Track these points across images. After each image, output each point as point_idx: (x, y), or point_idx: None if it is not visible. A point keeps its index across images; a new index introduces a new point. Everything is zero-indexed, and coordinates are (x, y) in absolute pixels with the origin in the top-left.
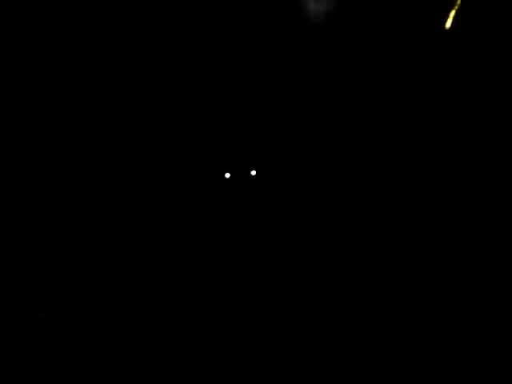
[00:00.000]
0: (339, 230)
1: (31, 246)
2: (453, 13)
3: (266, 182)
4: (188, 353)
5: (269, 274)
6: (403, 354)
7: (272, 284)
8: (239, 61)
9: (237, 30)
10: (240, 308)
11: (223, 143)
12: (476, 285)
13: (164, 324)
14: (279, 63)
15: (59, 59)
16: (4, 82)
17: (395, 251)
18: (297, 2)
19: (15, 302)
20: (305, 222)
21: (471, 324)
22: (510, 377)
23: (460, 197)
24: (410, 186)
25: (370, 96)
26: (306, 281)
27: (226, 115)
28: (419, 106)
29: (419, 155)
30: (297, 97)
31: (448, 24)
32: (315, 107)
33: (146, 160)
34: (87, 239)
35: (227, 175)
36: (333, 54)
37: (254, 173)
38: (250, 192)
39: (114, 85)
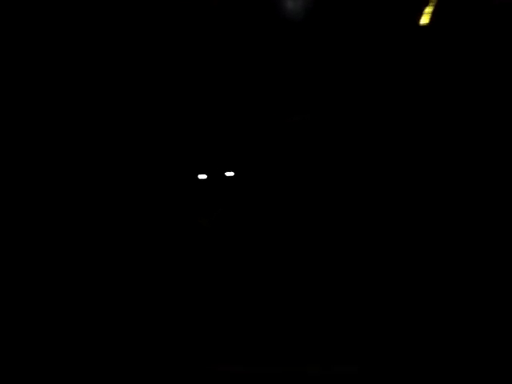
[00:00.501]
0: (318, 232)
1: (28, 245)
2: (429, 9)
3: (242, 184)
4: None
5: (244, 278)
6: (402, 353)
7: (248, 287)
8: (219, 58)
9: (216, 27)
10: (215, 311)
11: (198, 144)
12: (475, 283)
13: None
14: (259, 60)
15: (59, 59)
16: (4, 82)
17: (378, 246)
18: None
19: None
20: (282, 224)
21: (470, 323)
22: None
23: (453, 193)
24: (394, 179)
25: (353, 93)
26: (283, 284)
27: (203, 115)
28: (401, 101)
29: (403, 150)
30: (276, 95)
31: (424, 20)
32: (295, 105)
33: (120, 161)
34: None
35: (202, 177)
36: (313, 51)
37: (229, 174)
38: (225, 195)
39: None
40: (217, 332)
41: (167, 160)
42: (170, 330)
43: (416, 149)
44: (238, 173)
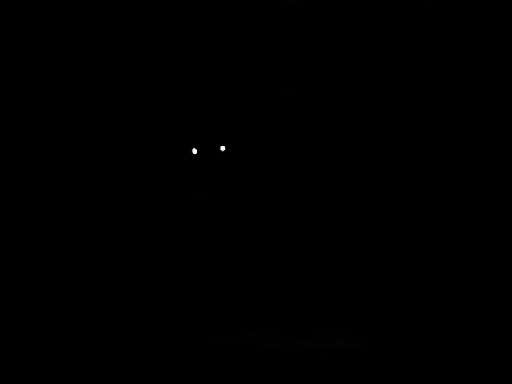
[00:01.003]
0: (311, 209)
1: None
2: None
3: (235, 158)
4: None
5: (240, 253)
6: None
7: (242, 264)
8: (212, 35)
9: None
10: (211, 291)
11: (191, 119)
12: (475, 283)
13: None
14: (253, 38)
15: (59, 59)
16: (4, 82)
17: (368, 234)
18: None
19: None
20: (276, 200)
21: (470, 323)
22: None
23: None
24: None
25: (352, 72)
26: (278, 261)
27: (195, 90)
28: (394, 83)
29: (395, 134)
30: (268, 72)
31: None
32: (288, 82)
33: (116, 138)
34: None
35: (194, 151)
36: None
37: (222, 149)
38: (219, 169)
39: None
40: (213, 306)
41: (160, 135)
42: (166, 305)
43: (417, 139)
44: (231, 147)
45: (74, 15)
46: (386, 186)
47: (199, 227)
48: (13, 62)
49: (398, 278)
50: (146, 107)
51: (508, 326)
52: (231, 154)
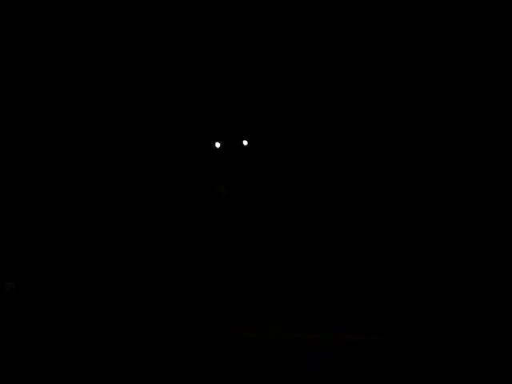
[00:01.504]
0: (325, 203)
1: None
2: None
3: (259, 152)
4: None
5: (263, 247)
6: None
7: (267, 259)
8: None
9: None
10: (235, 284)
11: (214, 113)
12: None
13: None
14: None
15: (59, 59)
16: (4, 82)
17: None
18: None
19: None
20: (298, 194)
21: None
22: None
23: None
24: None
25: (369, 67)
26: (303, 251)
27: (217, 85)
28: (407, 79)
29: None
30: (293, 66)
31: None
32: (311, 76)
33: (138, 133)
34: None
35: (217, 145)
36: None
37: (245, 143)
38: (242, 163)
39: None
40: (234, 298)
41: (183, 129)
42: (186, 296)
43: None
44: (254, 141)
45: (90, 17)
46: (402, 180)
47: (221, 219)
48: (13, 62)
49: (401, 272)
50: (170, 103)
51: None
52: (253, 149)
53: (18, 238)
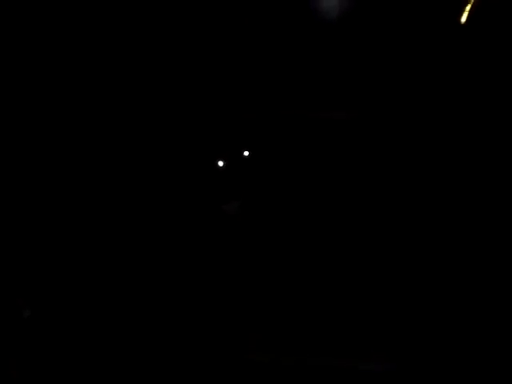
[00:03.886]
0: (339, 221)
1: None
2: (468, 7)
3: (263, 171)
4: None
5: (273, 265)
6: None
7: (275, 277)
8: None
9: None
10: (242, 301)
11: (218, 133)
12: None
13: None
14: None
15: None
16: (4, 82)
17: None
18: None
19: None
20: (305, 213)
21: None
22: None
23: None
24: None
25: (391, 92)
26: (312, 270)
27: (223, 106)
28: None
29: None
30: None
31: (463, 18)
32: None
33: (142, 152)
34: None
35: (220, 164)
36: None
37: (246, 153)
38: (247, 182)
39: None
40: (244, 321)
41: (184, 149)
42: (195, 317)
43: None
44: (257, 157)
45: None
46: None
47: (234, 239)
48: (14, 63)
49: (414, 302)
50: (182, 121)
51: None
52: (257, 164)
53: (18, 238)
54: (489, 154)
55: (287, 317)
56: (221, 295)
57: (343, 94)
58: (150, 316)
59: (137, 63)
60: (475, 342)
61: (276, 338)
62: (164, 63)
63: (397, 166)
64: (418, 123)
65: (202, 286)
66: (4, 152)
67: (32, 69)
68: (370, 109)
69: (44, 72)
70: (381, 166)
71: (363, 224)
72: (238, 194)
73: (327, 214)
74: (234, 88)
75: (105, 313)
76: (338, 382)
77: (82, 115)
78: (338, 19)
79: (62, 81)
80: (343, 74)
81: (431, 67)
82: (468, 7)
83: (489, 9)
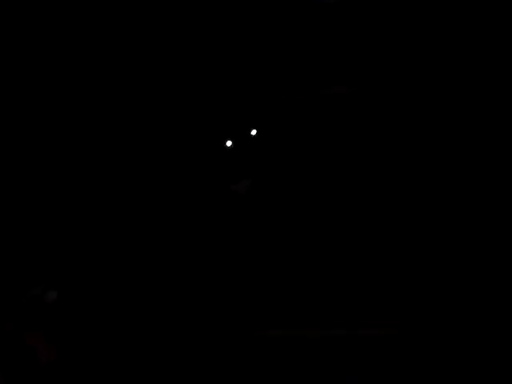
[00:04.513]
0: (345, 196)
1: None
2: None
3: (270, 149)
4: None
5: (282, 244)
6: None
7: (286, 253)
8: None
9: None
10: (254, 276)
11: (224, 114)
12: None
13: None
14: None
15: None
16: (4, 82)
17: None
18: None
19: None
20: (313, 188)
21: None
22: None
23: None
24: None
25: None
26: (321, 248)
27: (230, 85)
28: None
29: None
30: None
31: None
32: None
33: (150, 134)
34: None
35: (229, 143)
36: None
37: (254, 132)
38: (256, 161)
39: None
40: (255, 297)
41: (192, 129)
42: (206, 295)
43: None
44: (263, 136)
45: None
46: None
47: (240, 219)
48: (14, 63)
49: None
50: (178, 103)
51: None
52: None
53: (18, 238)
54: (492, 125)
55: (290, 290)
56: (229, 275)
57: (343, 68)
58: (157, 293)
59: (143, 47)
60: (476, 307)
61: (282, 311)
62: (170, 47)
63: (399, 139)
64: (419, 96)
65: (211, 265)
66: (6, 151)
67: (32, 69)
68: (371, 82)
69: (44, 72)
70: (385, 137)
71: (367, 196)
72: (247, 173)
73: (334, 190)
74: (238, 68)
75: (110, 287)
76: (343, 351)
77: (86, 97)
78: None
79: (62, 78)
80: (342, 48)
81: (431, 40)
82: None
83: None
